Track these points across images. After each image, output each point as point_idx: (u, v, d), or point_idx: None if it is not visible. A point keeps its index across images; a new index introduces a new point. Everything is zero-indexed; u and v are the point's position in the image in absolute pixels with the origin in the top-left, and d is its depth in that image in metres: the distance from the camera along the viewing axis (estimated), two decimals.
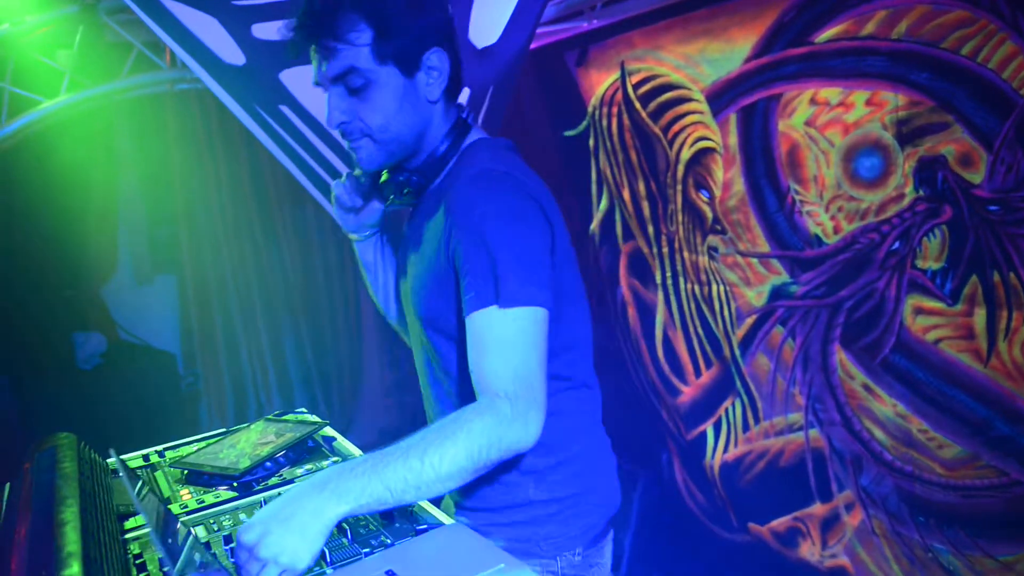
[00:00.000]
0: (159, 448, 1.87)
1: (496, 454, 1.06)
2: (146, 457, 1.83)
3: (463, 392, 1.32)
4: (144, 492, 1.31)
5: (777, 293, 2.20)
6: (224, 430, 1.92)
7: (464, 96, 2.62)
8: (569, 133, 2.75)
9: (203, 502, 1.55)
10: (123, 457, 1.82)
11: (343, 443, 1.79)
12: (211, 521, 1.46)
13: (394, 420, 4.25)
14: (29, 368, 3.04)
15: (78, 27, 2.35)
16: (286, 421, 1.88)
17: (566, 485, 1.30)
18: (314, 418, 1.91)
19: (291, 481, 1.59)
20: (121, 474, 1.42)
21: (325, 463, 1.66)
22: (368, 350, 4.48)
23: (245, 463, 1.64)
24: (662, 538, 2.60)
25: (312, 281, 3.99)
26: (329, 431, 1.85)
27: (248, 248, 3.67)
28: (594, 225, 2.77)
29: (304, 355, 4.01)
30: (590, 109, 2.62)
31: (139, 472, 1.71)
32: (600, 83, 2.54)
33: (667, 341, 2.57)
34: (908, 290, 1.83)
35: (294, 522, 1.05)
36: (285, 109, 2.54)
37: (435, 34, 1.19)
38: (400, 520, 1.34)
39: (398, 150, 1.27)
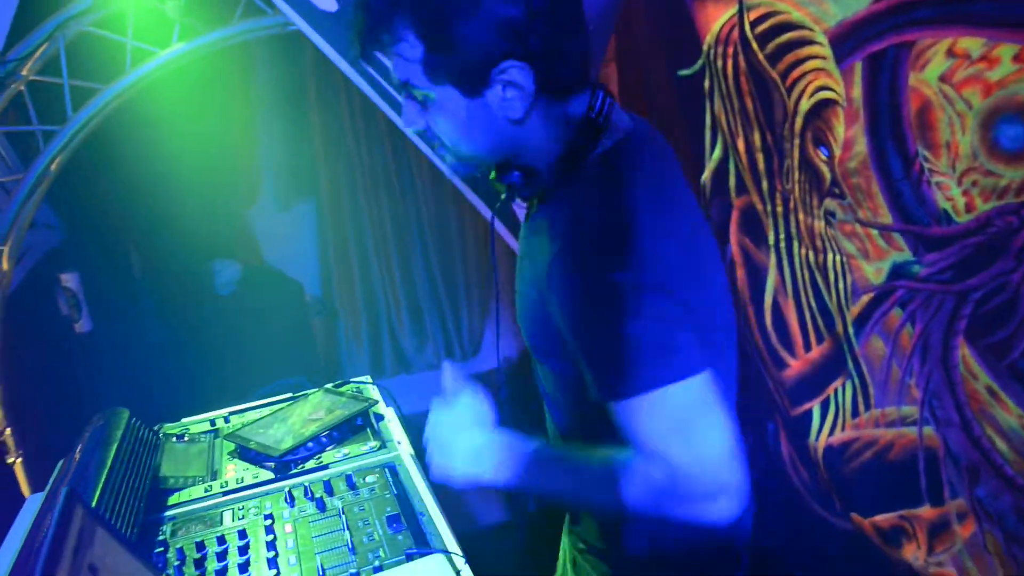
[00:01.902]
0: (226, 412, 1.97)
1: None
2: (212, 422, 1.94)
3: (568, 422, 1.27)
4: None
5: (898, 271, 1.94)
6: (291, 396, 1.98)
7: None
8: (683, 73, 2.48)
9: (242, 481, 1.62)
10: (191, 419, 1.94)
11: (388, 425, 1.78)
12: (239, 507, 1.52)
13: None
14: (172, 294, 3.29)
15: None
16: (341, 394, 1.90)
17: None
18: (369, 393, 1.93)
19: (326, 466, 1.62)
20: None
21: (364, 447, 1.66)
22: (501, 280, 4.48)
23: (288, 443, 1.68)
24: (768, 508, 2.46)
25: (443, 209, 4.00)
26: (380, 408, 1.85)
27: (381, 178, 3.73)
28: (706, 175, 2.52)
29: (435, 282, 4.07)
30: (705, 47, 2.34)
31: (201, 438, 1.82)
32: (716, 18, 2.25)
33: (776, 308, 2.34)
34: None
35: (456, 464, 1.16)
36: (379, 54, 2.47)
37: (506, 42, 0.95)
38: (404, 534, 1.32)
39: (484, 164, 1.12)
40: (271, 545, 1.37)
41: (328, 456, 1.68)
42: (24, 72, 2.56)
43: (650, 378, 0.91)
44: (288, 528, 1.43)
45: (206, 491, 1.59)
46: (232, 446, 1.74)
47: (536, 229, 1.10)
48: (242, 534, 1.42)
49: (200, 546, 1.39)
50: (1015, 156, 1.66)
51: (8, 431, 2.82)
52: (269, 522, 1.44)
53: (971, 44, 1.71)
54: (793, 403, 2.39)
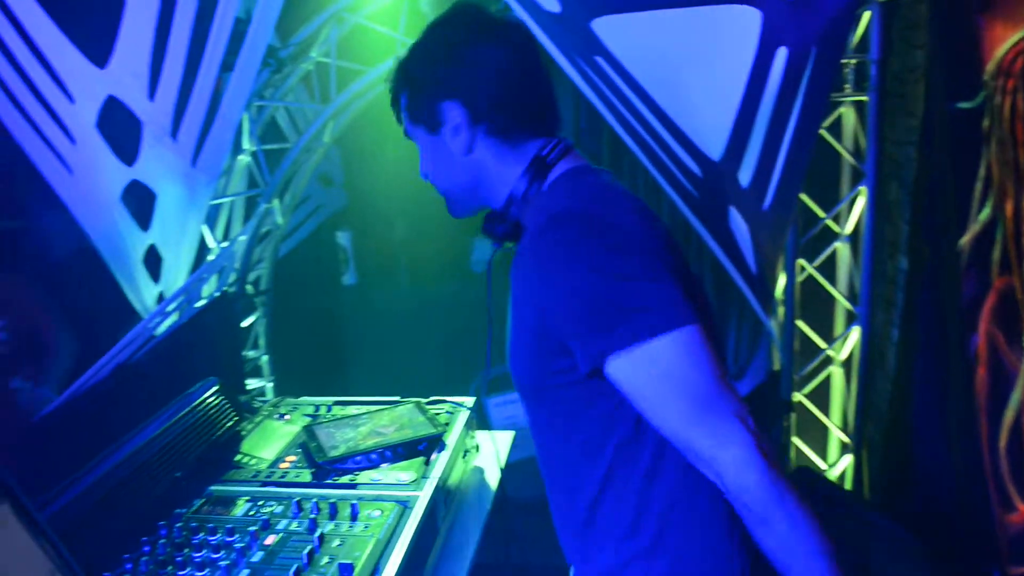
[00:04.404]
0: (332, 401, 2.06)
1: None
2: (317, 407, 2.04)
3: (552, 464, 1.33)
4: None
5: None
6: (398, 399, 2.01)
7: (781, 59, 2.04)
8: (964, 105, 1.91)
9: (284, 476, 1.69)
10: (304, 400, 2.06)
11: (442, 457, 1.72)
12: (261, 502, 1.59)
13: None
14: (428, 263, 3.53)
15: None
16: (425, 412, 1.88)
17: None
18: (455, 419, 1.86)
19: (355, 486, 1.62)
20: None
21: (401, 476, 1.63)
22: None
23: (339, 451, 1.72)
24: None
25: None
26: (446, 437, 1.79)
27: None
28: (966, 238, 1.94)
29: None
30: (986, 76, 1.78)
31: (298, 421, 1.93)
32: (1003, 39, 1.70)
33: (1017, 432, 1.77)
34: None
35: None
36: (600, 60, 2.31)
37: (448, 85, 1.20)
38: None
39: (464, 203, 1.34)
40: (240, 553, 1.41)
41: (365, 475, 1.67)
42: (313, 53, 2.90)
43: (646, 327, 1.00)
44: (270, 540, 1.46)
45: (253, 476, 1.70)
46: (303, 437, 1.82)
47: (519, 264, 1.20)
48: (230, 531, 1.48)
49: (196, 529, 1.49)
50: None
51: (265, 358, 3.31)
52: (258, 528, 1.48)
53: None
54: (1014, 559, 1.78)
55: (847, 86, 2.90)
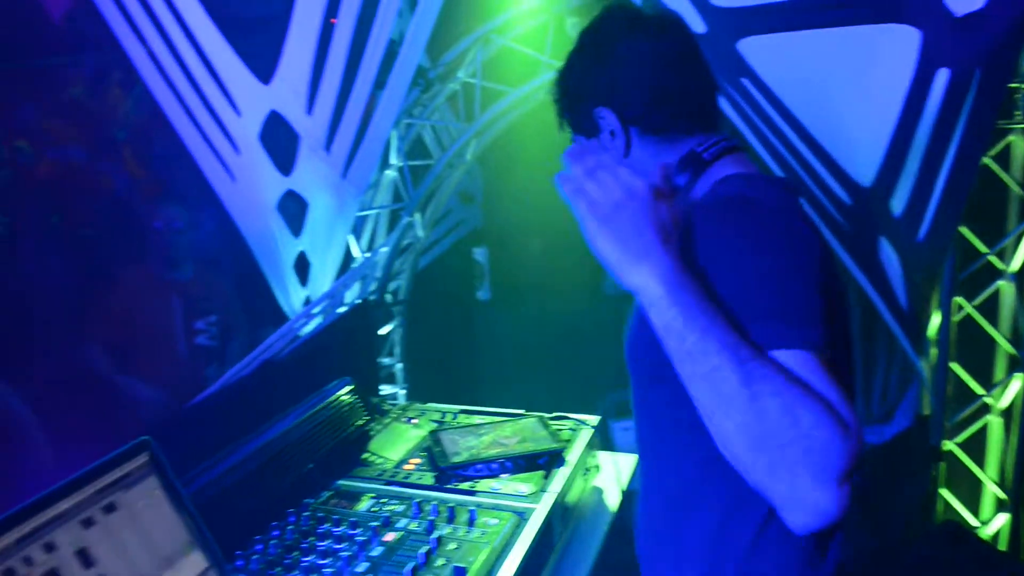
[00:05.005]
0: (458, 409, 2.10)
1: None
2: (443, 414, 2.09)
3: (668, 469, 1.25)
4: None
5: None
6: (522, 412, 2.03)
7: (941, 81, 1.93)
8: None
9: (408, 477, 1.75)
10: (431, 406, 2.11)
11: (561, 472, 1.73)
12: (384, 500, 1.66)
13: None
14: (561, 282, 3.55)
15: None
16: (547, 427, 1.89)
17: None
18: (578, 436, 1.86)
19: (474, 493, 1.65)
20: None
21: (520, 488, 1.65)
22: None
23: (461, 457, 1.76)
24: None
25: None
26: (567, 454, 1.79)
27: None
28: None
29: None
30: None
31: (424, 426, 1.98)
32: None
33: None
34: None
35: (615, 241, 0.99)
36: (746, 82, 2.26)
37: (597, 90, 1.19)
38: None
39: None
40: (361, 547, 1.46)
41: (484, 483, 1.69)
42: (460, 74, 3.00)
43: (773, 335, 0.93)
44: (389, 537, 1.50)
45: (378, 474, 1.75)
46: (428, 442, 1.86)
47: None
48: (353, 525, 1.54)
49: (321, 520, 1.56)
50: None
51: (399, 366, 3.42)
52: (379, 524, 1.53)
53: None
54: None
55: (1017, 112, 2.70)
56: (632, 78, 1.15)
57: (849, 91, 2.13)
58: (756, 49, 2.24)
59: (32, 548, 1.08)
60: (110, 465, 1.21)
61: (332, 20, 2.52)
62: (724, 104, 2.39)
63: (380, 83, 2.63)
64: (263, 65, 2.47)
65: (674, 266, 0.95)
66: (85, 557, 1.13)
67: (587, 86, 1.18)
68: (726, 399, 0.89)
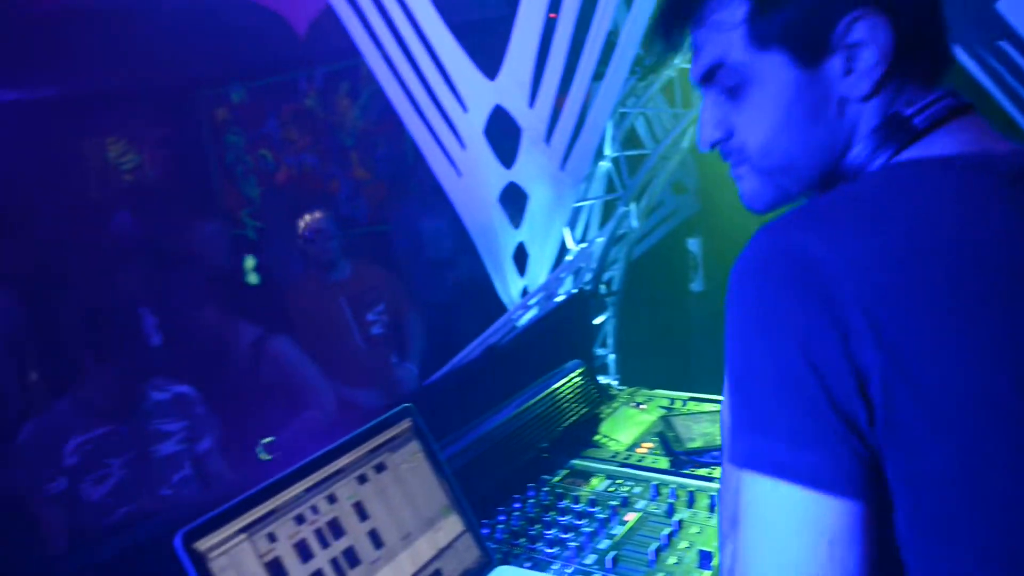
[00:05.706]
0: (688, 396, 2.07)
1: None
2: (672, 400, 2.06)
3: None
4: None
5: None
6: None
7: None
8: None
9: (641, 460, 1.76)
10: (659, 392, 2.09)
11: None
12: (619, 481, 1.68)
13: None
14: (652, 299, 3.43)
15: None
16: None
17: None
18: None
19: (710, 479, 1.63)
20: None
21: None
22: None
23: (696, 443, 1.75)
24: None
25: None
26: None
27: None
28: None
29: None
30: None
31: (653, 411, 1.97)
32: None
33: None
34: None
35: None
36: (1005, 45, 2.05)
37: None
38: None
39: (795, 184, 0.87)
40: (602, 524, 1.47)
41: (720, 471, 1.64)
42: (676, 60, 2.94)
43: (750, 456, 0.70)
44: (629, 517, 1.50)
45: (611, 456, 1.76)
46: (661, 427, 1.84)
47: None
48: (592, 503, 1.55)
49: (560, 496, 1.58)
50: None
51: (612, 356, 3.41)
52: (618, 503, 1.53)
53: None
54: None
55: None
56: None
57: None
58: (1020, 8, 2.03)
59: (318, 499, 1.19)
60: (380, 427, 1.30)
61: (552, 15, 2.57)
62: (975, 67, 2.18)
63: (598, 74, 2.65)
64: (489, 62, 2.56)
65: None
66: (361, 510, 1.23)
67: None
68: None
